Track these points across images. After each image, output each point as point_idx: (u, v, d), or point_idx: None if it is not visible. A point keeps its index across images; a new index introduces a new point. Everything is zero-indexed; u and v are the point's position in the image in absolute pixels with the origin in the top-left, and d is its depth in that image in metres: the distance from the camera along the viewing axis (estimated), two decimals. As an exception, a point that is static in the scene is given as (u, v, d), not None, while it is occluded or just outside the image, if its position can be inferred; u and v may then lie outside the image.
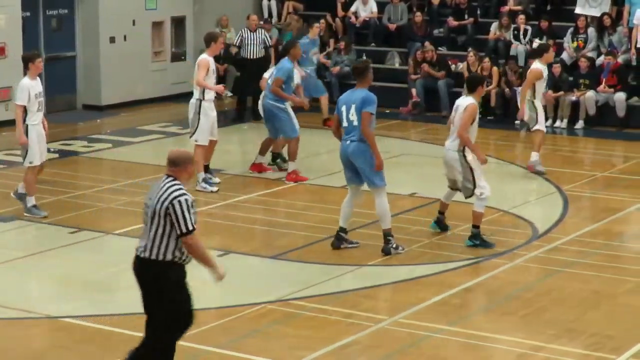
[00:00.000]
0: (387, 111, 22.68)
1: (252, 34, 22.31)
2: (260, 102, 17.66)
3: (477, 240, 13.49)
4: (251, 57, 21.97)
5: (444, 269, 12.79)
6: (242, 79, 22.81)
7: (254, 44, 22.12)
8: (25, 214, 14.89)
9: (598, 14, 22.93)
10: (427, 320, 11.00)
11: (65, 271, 12.88)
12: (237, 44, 22.66)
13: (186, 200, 8.58)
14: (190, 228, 8.58)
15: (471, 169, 13.31)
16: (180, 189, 8.64)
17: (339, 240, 13.45)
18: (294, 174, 17.08)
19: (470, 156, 13.28)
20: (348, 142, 13.21)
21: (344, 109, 13.22)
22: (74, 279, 12.61)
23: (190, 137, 16.63)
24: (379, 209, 13.30)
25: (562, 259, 13.31)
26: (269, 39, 23.06)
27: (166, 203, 8.57)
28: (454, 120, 13.52)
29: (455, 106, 13.66)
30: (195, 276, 13.00)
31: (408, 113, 23.43)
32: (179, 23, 25.47)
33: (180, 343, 10.33)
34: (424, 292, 11.77)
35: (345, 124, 13.21)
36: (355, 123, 13.11)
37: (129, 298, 11.87)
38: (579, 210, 15.73)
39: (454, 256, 13.29)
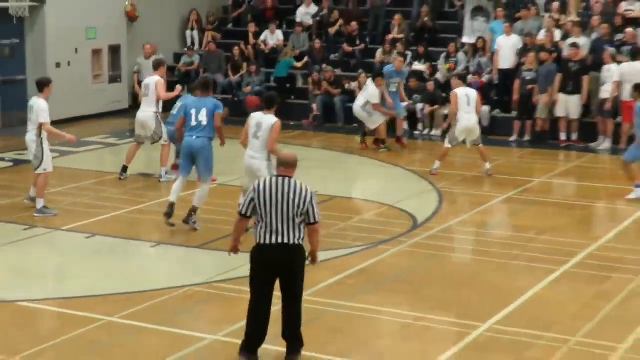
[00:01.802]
0: (292, 123, 22.80)
1: (146, 61, 22.08)
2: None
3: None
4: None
5: (340, 254, 12.90)
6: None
7: (148, 69, 21.79)
8: (36, 215, 14.76)
9: (474, 41, 23.32)
10: (326, 297, 11.11)
11: (20, 262, 12.75)
12: (136, 70, 22.40)
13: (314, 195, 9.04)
14: (319, 219, 9.00)
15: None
16: (308, 186, 9.03)
17: (190, 216, 13.98)
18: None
19: (274, 163, 13.17)
20: (194, 137, 13.88)
21: (193, 112, 13.94)
22: (27, 268, 12.51)
23: (158, 141, 17.28)
24: (202, 193, 13.99)
25: (437, 245, 13.48)
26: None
27: (308, 199, 8.88)
28: (256, 135, 13.19)
29: (256, 122, 13.25)
30: (132, 263, 13.02)
31: (309, 125, 23.51)
32: (115, 50, 25.23)
33: (120, 321, 10.37)
34: (324, 274, 11.82)
35: (194, 123, 13.87)
36: (205, 123, 13.85)
37: (75, 284, 11.87)
38: (451, 204, 15.93)
39: (348, 244, 13.43)
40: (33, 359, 9.32)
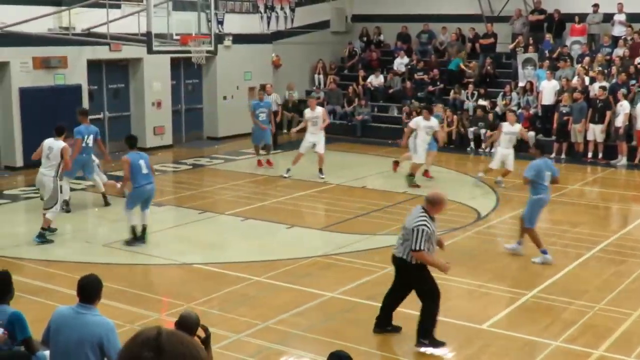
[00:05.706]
0: (389, 142, 22.56)
1: (268, 96, 21.59)
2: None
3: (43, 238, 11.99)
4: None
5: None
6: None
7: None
8: None
9: (524, 84, 22.71)
10: (412, 268, 10.91)
11: (195, 236, 12.91)
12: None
13: (423, 230, 7.94)
14: (416, 248, 7.96)
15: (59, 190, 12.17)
16: (423, 219, 7.99)
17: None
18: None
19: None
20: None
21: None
22: (200, 241, 12.66)
23: None
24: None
25: (495, 232, 13.24)
26: (279, 100, 22.17)
27: (412, 226, 7.98)
28: (48, 156, 12.03)
29: (48, 146, 12.10)
30: (273, 239, 13.01)
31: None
32: (263, 88, 25.19)
33: (263, 280, 10.35)
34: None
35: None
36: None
37: (232, 253, 11.93)
38: (505, 203, 15.51)
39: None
40: (203, 304, 9.41)
